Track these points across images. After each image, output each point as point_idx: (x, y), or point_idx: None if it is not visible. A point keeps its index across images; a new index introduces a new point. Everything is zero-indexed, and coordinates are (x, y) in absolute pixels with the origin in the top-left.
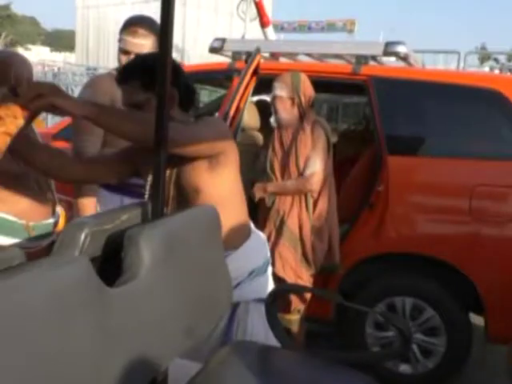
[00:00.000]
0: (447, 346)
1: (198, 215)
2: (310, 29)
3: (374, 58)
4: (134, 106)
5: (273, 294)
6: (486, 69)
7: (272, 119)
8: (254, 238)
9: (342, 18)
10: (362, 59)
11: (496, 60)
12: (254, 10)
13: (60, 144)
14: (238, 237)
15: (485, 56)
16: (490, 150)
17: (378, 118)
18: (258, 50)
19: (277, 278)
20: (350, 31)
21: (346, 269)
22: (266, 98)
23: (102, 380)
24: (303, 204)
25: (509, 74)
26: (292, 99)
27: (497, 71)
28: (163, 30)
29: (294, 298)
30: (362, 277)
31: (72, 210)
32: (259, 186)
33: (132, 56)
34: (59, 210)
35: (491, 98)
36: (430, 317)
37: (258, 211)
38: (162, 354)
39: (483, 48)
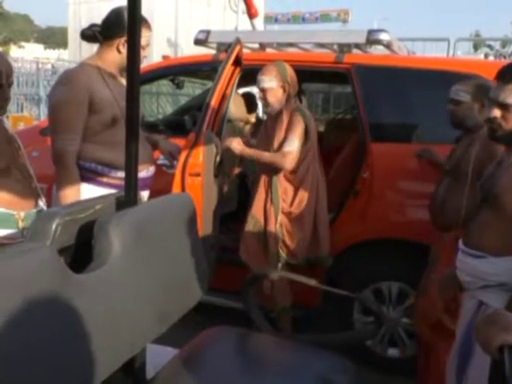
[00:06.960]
0: None
1: (171, 204)
2: (303, 20)
3: (358, 46)
4: None
5: (250, 280)
6: (481, 56)
7: (260, 111)
8: None
9: (336, 8)
10: (344, 47)
11: (490, 47)
12: None
13: (48, 140)
14: None
15: (479, 43)
16: None
17: (362, 105)
18: (237, 40)
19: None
20: (344, 21)
21: (333, 255)
22: (250, 89)
23: (74, 359)
24: (269, 194)
25: (503, 60)
26: (283, 87)
27: (491, 58)
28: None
29: (275, 291)
30: (349, 263)
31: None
32: (239, 142)
33: (144, 50)
34: (42, 199)
35: None
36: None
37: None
38: (135, 338)
39: (477, 35)
